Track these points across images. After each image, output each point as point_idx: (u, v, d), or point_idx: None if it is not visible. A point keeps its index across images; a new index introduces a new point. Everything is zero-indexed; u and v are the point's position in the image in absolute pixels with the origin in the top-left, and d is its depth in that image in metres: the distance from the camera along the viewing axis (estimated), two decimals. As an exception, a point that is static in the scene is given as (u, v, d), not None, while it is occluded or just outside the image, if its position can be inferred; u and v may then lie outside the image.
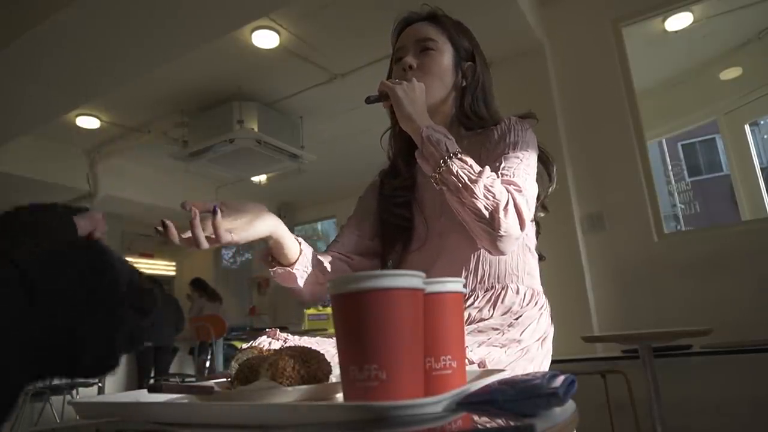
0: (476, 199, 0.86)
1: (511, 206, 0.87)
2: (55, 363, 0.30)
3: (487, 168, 0.90)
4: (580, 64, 3.17)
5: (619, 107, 3.01)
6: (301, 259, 0.98)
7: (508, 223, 0.87)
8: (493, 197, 0.86)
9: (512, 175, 0.93)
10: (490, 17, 2.81)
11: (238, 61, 3.43)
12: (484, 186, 0.87)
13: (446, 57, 1.07)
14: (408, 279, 0.46)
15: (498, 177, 0.91)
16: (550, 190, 1.12)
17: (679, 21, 3.44)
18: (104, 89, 3.40)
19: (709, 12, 3.46)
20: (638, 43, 3.45)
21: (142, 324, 0.36)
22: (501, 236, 0.86)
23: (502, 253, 0.90)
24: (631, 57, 3.08)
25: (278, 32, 3.15)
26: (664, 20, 3.42)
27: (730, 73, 4.34)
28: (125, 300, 0.35)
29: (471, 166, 0.89)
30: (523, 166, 0.96)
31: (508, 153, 0.97)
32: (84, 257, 0.34)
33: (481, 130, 1.09)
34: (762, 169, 4.59)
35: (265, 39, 3.20)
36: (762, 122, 9.96)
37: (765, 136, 10.66)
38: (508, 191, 0.89)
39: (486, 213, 0.86)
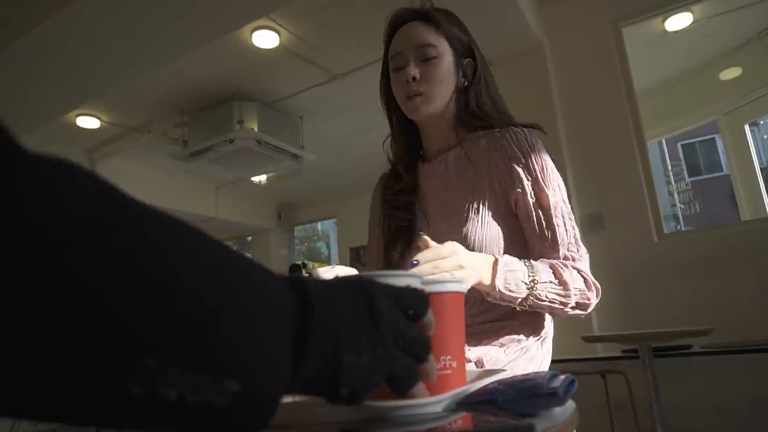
0: (568, 308, 0.93)
1: (591, 291, 0.95)
2: (313, 389, 0.30)
3: (566, 272, 0.92)
4: (580, 64, 3.17)
5: (619, 107, 3.01)
6: None
7: (592, 304, 0.96)
8: (581, 296, 0.93)
9: (573, 251, 0.98)
10: (490, 17, 2.81)
11: (238, 61, 3.43)
12: (571, 294, 0.92)
13: (447, 61, 1.04)
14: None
15: (567, 267, 0.94)
16: None
17: (679, 21, 3.44)
18: (104, 89, 3.41)
19: (709, 12, 3.46)
20: (638, 43, 3.45)
21: (408, 369, 0.36)
22: (589, 310, 0.96)
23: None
24: (631, 57, 3.08)
25: (278, 32, 3.15)
26: (664, 20, 3.42)
27: (730, 73, 4.34)
28: (392, 344, 0.34)
29: (553, 284, 0.91)
30: (567, 218, 0.99)
31: (547, 207, 0.98)
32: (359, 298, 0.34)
33: (483, 132, 1.07)
34: (762, 169, 4.59)
35: (265, 39, 3.20)
36: (762, 122, 9.96)
37: (765, 136, 10.66)
38: (582, 276, 0.95)
39: (579, 311, 0.94)
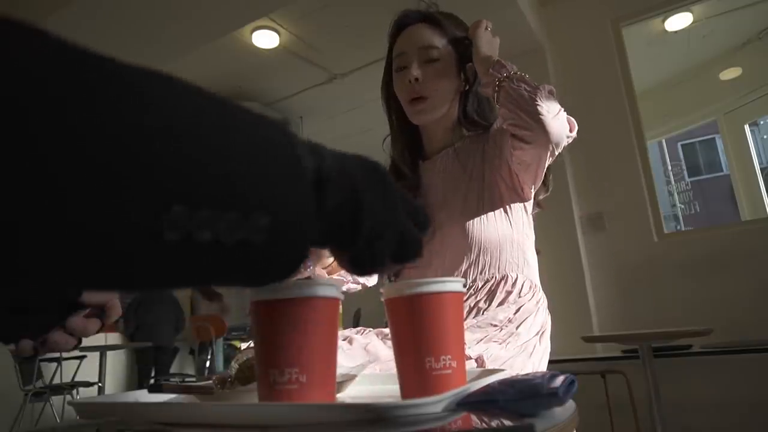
0: (537, 92, 0.91)
1: (564, 112, 0.95)
2: (336, 224, 0.30)
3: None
4: (580, 64, 3.17)
5: (619, 107, 3.02)
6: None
7: (564, 115, 0.94)
8: (551, 99, 0.93)
9: None
10: (490, 17, 2.79)
11: (238, 61, 3.43)
12: (546, 90, 0.93)
13: (449, 63, 1.06)
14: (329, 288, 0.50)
15: None
16: (542, 196, 1.12)
17: (679, 21, 3.45)
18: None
19: (708, 12, 3.46)
20: (638, 43, 3.45)
21: (416, 235, 0.35)
22: (557, 119, 0.92)
23: (548, 141, 0.92)
24: (631, 57, 3.08)
25: (278, 32, 3.15)
26: (664, 20, 3.43)
27: (730, 74, 4.34)
28: (404, 207, 0.35)
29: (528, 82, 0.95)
30: None
31: None
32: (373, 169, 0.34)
33: (482, 131, 1.10)
34: (762, 169, 4.59)
35: (265, 39, 3.20)
36: (762, 122, 9.97)
37: (765, 136, 10.67)
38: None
39: (543, 102, 0.91)
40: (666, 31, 3.57)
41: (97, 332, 0.54)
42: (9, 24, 0.20)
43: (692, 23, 3.49)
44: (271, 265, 0.26)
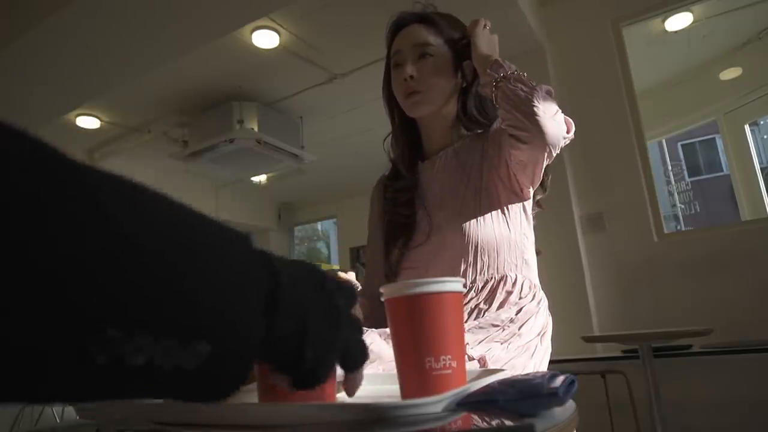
0: (534, 93, 0.91)
1: (561, 113, 0.95)
2: (281, 352, 0.30)
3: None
4: (580, 64, 3.17)
5: (619, 107, 3.01)
6: None
7: (561, 116, 0.94)
8: (548, 99, 0.93)
9: None
10: (490, 18, 2.79)
11: (238, 61, 3.43)
12: (544, 91, 0.93)
13: (445, 60, 1.07)
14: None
15: None
16: (539, 196, 1.12)
17: (679, 21, 3.44)
18: (104, 89, 3.41)
19: (708, 12, 3.46)
20: (638, 43, 3.45)
21: (359, 346, 0.37)
22: (554, 120, 0.92)
23: (544, 142, 0.91)
24: (631, 57, 3.08)
25: (278, 32, 3.15)
26: (664, 20, 3.42)
27: (730, 74, 4.34)
28: (347, 319, 0.36)
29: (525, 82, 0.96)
30: None
31: None
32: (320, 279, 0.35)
33: (481, 131, 1.10)
34: (762, 169, 4.59)
35: (265, 39, 3.20)
36: (762, 122, 9.96)
37: (765, 136, 10.66)
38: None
39: (540, 102, 0.91)
40: (666, 31, 3.57)
41: None
42: None
43: (692, 23, 3.49)
44: (205, 390, 0.26)
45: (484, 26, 1.08)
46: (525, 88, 0.92)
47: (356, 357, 0.37)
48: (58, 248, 0.19)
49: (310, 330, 0.30)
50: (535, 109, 0.90)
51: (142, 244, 0.22)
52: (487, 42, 1.05)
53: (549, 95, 0.94)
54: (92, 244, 0.20)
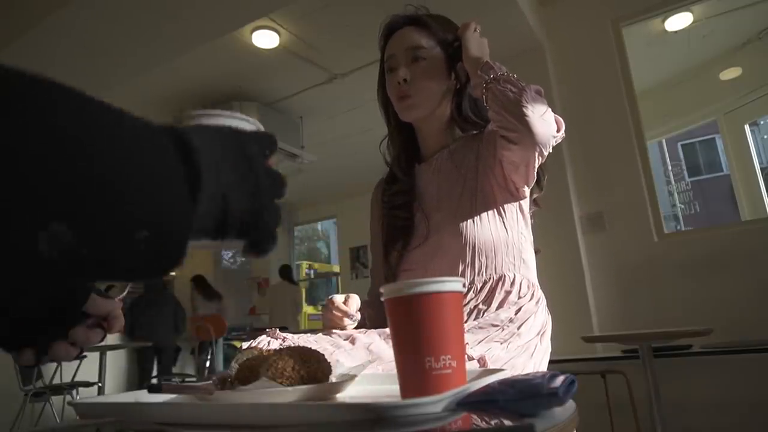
0: (523, 93, 0.91)
1: (551, 111, 0.94)
2: (206, 230, 0.33)
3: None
4: (580, 64, 3.17)
5: (619, 107, 3.01)
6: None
7: (551, 115, 0.93)
8: (537, 99, 0.93)
9: None
10: (490, 17, 2.81)
11: (238, 61, 3.43)
12: (533, 91, 0.93)
13: (438, 62, 1.08)
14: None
15: None
16: (535, 195, 1.12)
17: (679, 21, 3.45)
18: (103, 90, 3.41)
19: (708, 12, 3.46)
20: (638, 43, 3.45)
21: (275, 207, 0.39)
22: (543, 120, 0.91)
23: (534, 142, 0.91)
24: (631, 57, 3.08)
25: (278, 32, 3.15)
26: (664, 20, 3.43)
27: (730, 74, 4.34)
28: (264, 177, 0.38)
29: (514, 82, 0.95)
30: None
31: None
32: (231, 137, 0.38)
33: (476, 132, 1.11)
34: (762, 169, 4.59)
35: (265, 39, 3.20)
36: (762, 122, 9.96)
37: (765, 136, 10.66)
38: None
39: (529, 102, 0.91)
40: (666, 31, 3.57)
41: (100, 342, 0.55)
42: None
43: (692, 23, 3.49)
44: (147, 269, 0.29)
45: (475, 29, 1.08)
46: (514, 89, 0.92)
47: (272, 221, 0.39)
48: (10, 154, 0.22)
49: (231, 205, 0.33)
50: (524, 109, 0.90)
51: (88, 141, 0.25)
52: (477, 44, 1.05)
53: (539, 95, 0.94)
54: (36, 149, 0.23)
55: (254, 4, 2.80)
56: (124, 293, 0.61)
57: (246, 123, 0.46)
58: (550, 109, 0.94)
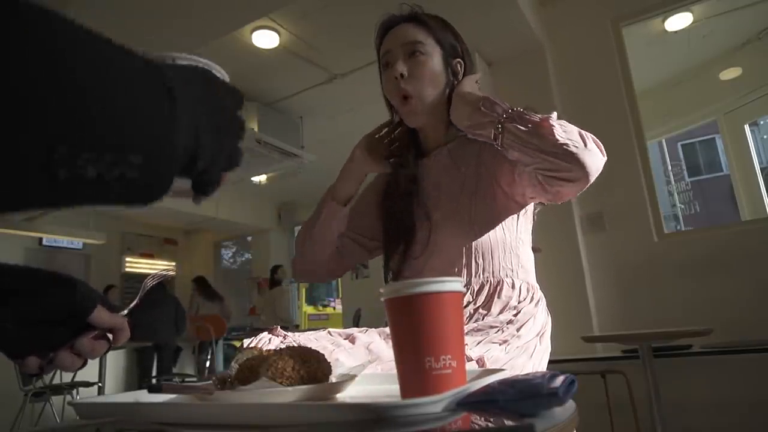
0: (554, 129, 0.85)
1: (586, 133, 0.88)
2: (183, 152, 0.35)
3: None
4: (580, 64, 3.17)
5: (619, 107, 3.01)
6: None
7: (592, 142, 0.87)
8: (567, 128, 0.87)
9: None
10: (490, 17, 2.81)
11: (238, 61, 3.43)
12: (556, 122, 0.87)
13: (435, 58, 1.06)
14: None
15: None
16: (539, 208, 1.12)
17: (679, 21, 3.45)
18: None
19: (708, 12, 3.46)
20: (638, 43, 3.45)
21: (239, 146, 0.42)
22: (590, 152, 0.86)
23: (588, 176, 0.86)
24: (631, 57, 3.08)
25: (278, 32, 3.15)
26: (664, 20, 3.43)
27: (730, 74, 4.34)
28: (231, 122, 0.40)
29: (532, 115, 0.89)
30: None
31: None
32: (204, 75, 0.41)
33: None
34: (762, 169, 4.59)
35: (265, 39, 3.20)
36: (762, 122, 9.96)
37: (765, 136, 10.67)
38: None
39: (568, 137, 0.85)
40: (666, 31, 3.57)
41: (105, 354, 0.56)
42: None
43: (692, 23, 3.49)
44: (143, 193, 0.32)
45: (476, 81, 1.05)
46: (542, 129, 0.85)
47: (232, 162, 0.41)
48: (17, 81, 0.25)
49: (202, 143, 0.36)
50: (568, 148, 0.84)
51: (83, 81, 0.28)
52: (468, 82, 1.03)
53: (563, 122, 0.88)
54: (42, 80, 0.25)
55: (254, 4, 2.80)
56: (131, 306, 0.62)
57: (219, 73, 0.49)
58: (583, 133, 0.88)
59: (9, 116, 0.24)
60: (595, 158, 0.86)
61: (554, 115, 0.89)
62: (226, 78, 0.48)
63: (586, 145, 0.86)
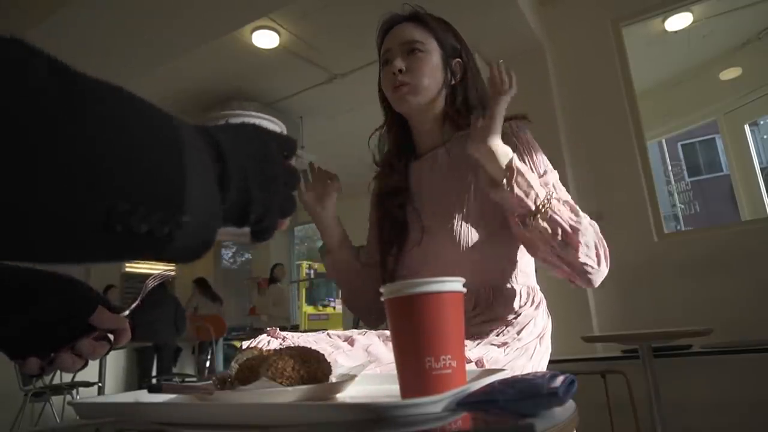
0: (579, 248, 0.89)
1: (600, 245, 0.92)
2: (232, 217, 0.38)
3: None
4: (580, 64, 3.17)
5: (619, 107, 3.01)
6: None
7: (604, 260, 0.92)
8: (589, 241, 0.90)
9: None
10: (490, 17, 2.81)
11: (238, 61, 3.43)
12: (583, 233, 0.90)
13: (434, 57, 1.07)
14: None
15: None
16: None
17: (679, 21, 3.45)
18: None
19: (708, 12, 3.46)
20: (638, 43, 3.45)
21: (292, 199, 0.44)
22: (600, 272, 0.92)
23: (593, 287, 0.94)
24: (631, 57, 3.08)
25: (278, 32, 3.15)
26: (664, 20, 3.43)
27: (730, 74, 4.34)
28: (282, 175, 0.42)
29: (567, 210, 0.92)
30: (559, 187, 0.98)
31: (541, 176, 0.97)
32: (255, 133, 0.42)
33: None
34: (761, 169, 4.59)
35: (265, 39, 3.20)
36: (762, 122, 9.97)
37: (765, 136, 10.67)
38: (591, 226, 0.93)
39: (587, 257, 0.90)
40: (666, 31, 3.57)
41: (105, 355, 0.56)
42: (14, 42, 0.27)
43: (692, 23, 3.49)
44: (186, 251, 0.34)
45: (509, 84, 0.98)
46: (567, 238, 0.89)
47: (286, 210, 0.43)
48: (82, 148, 0.27)
49: (254, 197, 0.38)
50: (585, 268, 0.90)
51: (141, 142, 0.30)
52: (504, 152, 0.92)
53: (583, 223, 0.91)
54: (105, 145, 0.28)
55: (254, 4, 2.80)
56: (133, 307, 0.62)
57: (270, 123, 0.49)
58: (599, 246, 0.93)
59: (77, 174, 0.26)
60: (601, 276, 0.93)
61: (584, 221, 0.91)
62: (282, 128, 0.50)
63: (599, 266, 0.92)
